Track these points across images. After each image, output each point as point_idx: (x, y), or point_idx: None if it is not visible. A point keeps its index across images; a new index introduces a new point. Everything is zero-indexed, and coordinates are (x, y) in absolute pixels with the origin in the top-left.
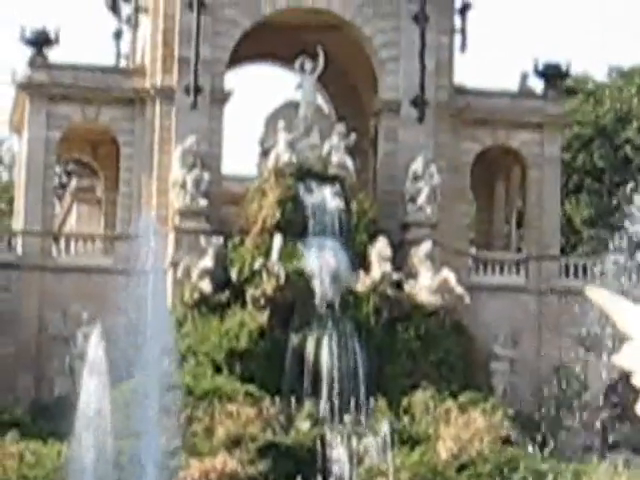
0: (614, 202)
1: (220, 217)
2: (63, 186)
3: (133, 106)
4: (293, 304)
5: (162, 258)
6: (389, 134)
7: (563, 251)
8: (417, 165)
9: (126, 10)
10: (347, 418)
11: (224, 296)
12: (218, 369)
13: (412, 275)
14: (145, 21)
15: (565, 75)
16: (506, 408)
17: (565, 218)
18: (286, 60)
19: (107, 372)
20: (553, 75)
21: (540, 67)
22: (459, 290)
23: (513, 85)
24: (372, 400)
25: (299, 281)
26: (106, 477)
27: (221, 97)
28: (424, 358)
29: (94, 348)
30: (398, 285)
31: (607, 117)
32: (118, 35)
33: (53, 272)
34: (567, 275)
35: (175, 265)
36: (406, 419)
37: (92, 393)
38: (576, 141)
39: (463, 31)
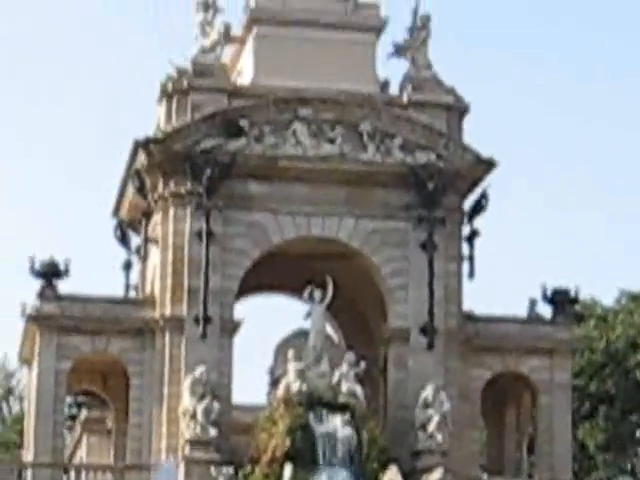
0: (627, 428)
1: (230, 447)
2: (73, 417)
3: (143, 336)
4: None
5: None
6: (399, 362)
7: (577, 476)
8: (427, 392)
9: (135, 241)
10: None
11: None
12: None
13: None
14: (154, 252)
15: (574, 301)
16: None
17: (578, 444)
18: (295, 289)
19: None
20: (562, 301)
21: (548, 293)
22: None
23: (522, 311)
24: None
25: None
26: None
27: (230, 327)
28: None
29: None
30: None
31: (618, 342)
32: (127, 266)
33: None
34: None
35: None
36: None
37: None
38: (589, 367)
39: (471, 258)
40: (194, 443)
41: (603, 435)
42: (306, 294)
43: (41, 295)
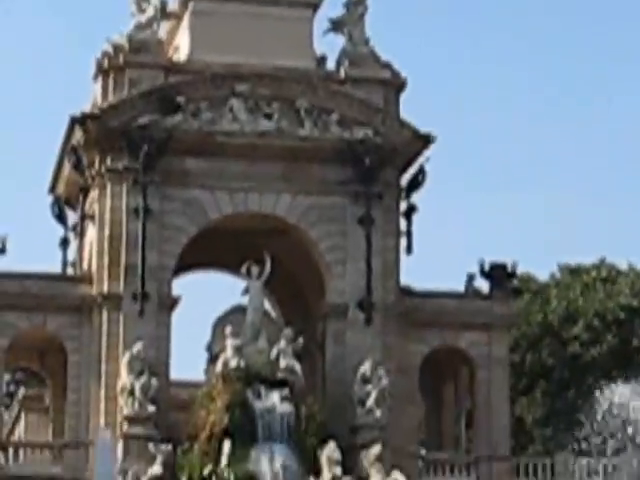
0: (564, 402)
1: (169, 423)
2: (11, 395)
3: (80, 313)
4: None
5: (111, 465)
6: (337, 337)
7: (514, 451)
8: (365, 368)
9: (72, 218)
10: None
11: None
12: None
13: (363, 478)
14: (91, 229)
15: (511, 275)
16: None
17: (515, 418)
18: (233, 265)
19: None
20: (499, 275)
21: (486, 268)
22: None
23: (460, 286)
24: None
25: None
26: None
27: (168, 303)
28: None
29: None
30: None
31: (554, 316)
32: (64, 243)
33: None
34: (518, 475)
35: (124, 472)
36: None
37: None
38: (524, 341)
39: (409, 233)
40: (132, 420)
41: (541, 410)
42: (244, 270)
43: None
